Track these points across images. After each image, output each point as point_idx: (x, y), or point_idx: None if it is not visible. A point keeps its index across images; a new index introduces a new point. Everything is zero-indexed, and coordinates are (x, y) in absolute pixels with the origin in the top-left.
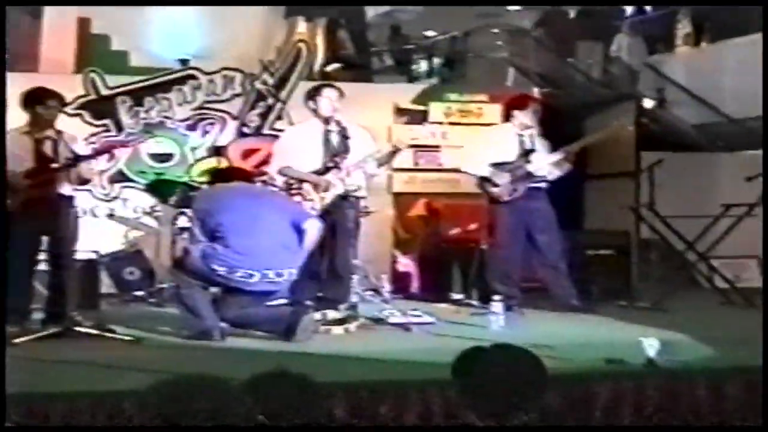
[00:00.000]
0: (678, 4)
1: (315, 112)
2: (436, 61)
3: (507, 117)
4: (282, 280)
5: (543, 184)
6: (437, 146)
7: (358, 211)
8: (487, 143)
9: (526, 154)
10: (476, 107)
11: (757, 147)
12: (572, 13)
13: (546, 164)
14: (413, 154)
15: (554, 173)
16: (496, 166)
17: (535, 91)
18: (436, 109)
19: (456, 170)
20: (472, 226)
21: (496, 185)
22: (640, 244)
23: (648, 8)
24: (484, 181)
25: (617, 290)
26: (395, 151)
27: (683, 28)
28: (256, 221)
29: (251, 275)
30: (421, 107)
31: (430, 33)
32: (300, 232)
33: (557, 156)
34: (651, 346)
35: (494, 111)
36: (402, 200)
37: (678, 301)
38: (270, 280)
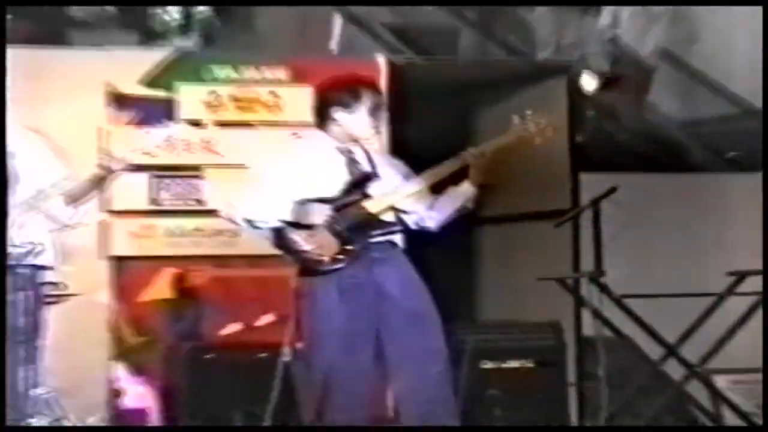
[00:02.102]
0: (677, 4)
1: None
2: (194, 7)
3: (322, 115)
4: None
5: (398, 238)
6: (196, 167)
7: (39, 292)
8: (285, 163)
9: (361, 182)
10: (267, 93)
11: None
12: None
13: (400, 200)
14: (150, 181)
15: (421, 218)
16: (308, 204)
17: (383, 62)
18: (190, 96)
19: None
20: (266, 319)
21: (308, 239)
22: (580, 346)
23: None
24: (286, 233)
25: None
26: (103, 177)
27: None
28: None
29: None
30: (164, 92)
31: None
32: None
33: (416, 186)
34: None
35: (302, 99)
36: (130, 270)
37: None
38: None
